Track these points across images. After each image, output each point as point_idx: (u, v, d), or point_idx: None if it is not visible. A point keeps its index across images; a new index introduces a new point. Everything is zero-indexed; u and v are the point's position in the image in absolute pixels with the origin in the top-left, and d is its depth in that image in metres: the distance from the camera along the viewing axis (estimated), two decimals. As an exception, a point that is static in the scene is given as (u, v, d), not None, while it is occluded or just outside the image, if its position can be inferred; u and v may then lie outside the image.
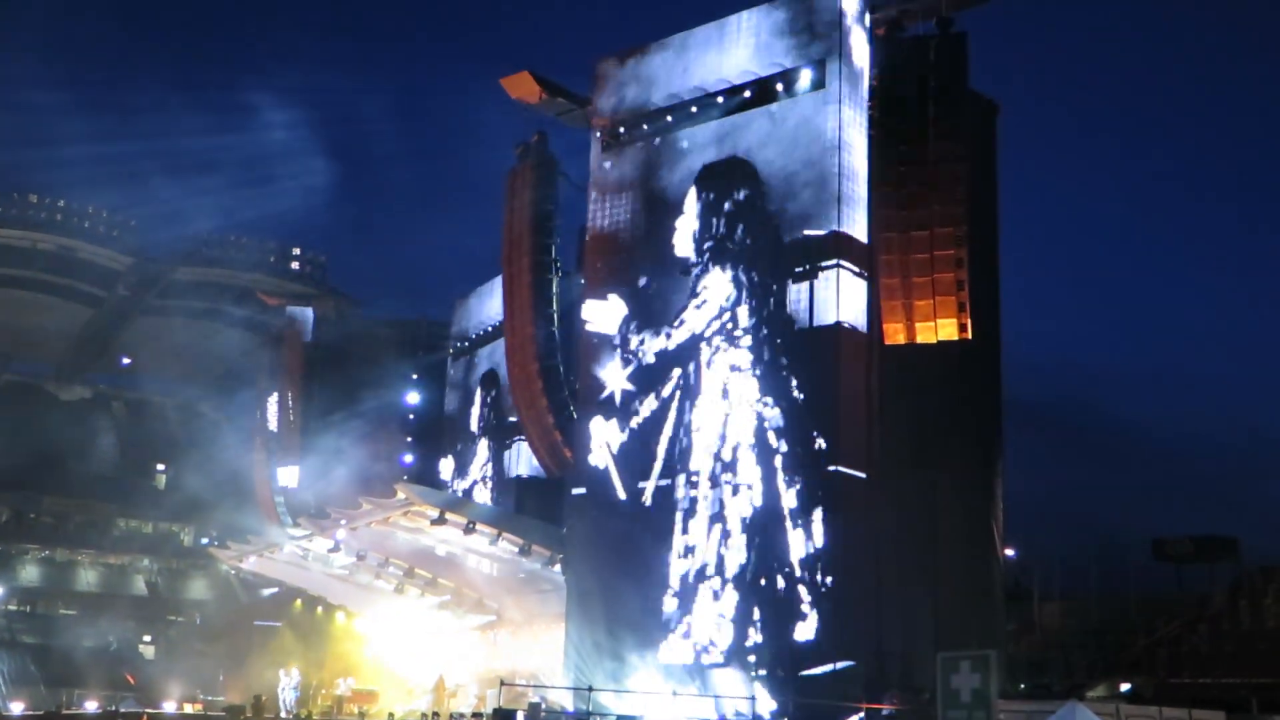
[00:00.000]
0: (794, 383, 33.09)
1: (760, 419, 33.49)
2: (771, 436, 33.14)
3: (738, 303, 34.53)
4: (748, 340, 34.16)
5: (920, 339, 32.65)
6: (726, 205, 35.28)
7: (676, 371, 35.45)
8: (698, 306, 35.26)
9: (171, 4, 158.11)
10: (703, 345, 34.99)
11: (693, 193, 36.08)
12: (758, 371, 33.80)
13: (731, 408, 34.13)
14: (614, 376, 36.73)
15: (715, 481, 33.85)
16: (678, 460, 34.85)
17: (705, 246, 35.53)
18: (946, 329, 32.42)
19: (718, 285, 34.99)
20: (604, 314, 36.85)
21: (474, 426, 54.52)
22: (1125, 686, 36.36)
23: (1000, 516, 35.54)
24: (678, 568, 34.19)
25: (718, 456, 34.03)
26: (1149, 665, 39.69)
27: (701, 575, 33.66)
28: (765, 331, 33.91)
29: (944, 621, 32.37)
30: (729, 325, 34.59)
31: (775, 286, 33.79)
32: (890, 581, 32.16)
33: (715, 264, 35.17)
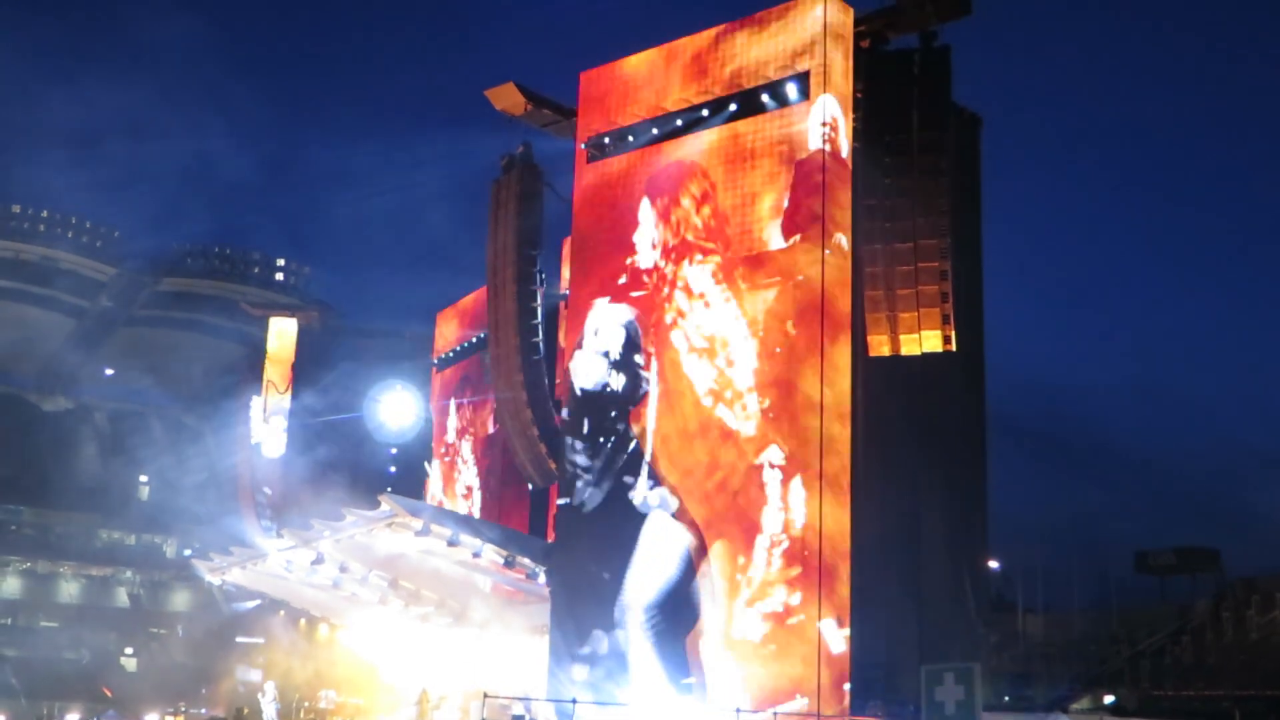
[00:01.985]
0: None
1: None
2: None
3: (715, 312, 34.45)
4: (728, 348, 34.08)
5: (904, 351, 32.62)
6: (705, 213, 35.22)
7: (651, 380, 35.34)
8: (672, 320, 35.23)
9: (163, 18, 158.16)
10: (679, 353, 34.89)
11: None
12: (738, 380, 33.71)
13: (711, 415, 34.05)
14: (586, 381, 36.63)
15: (695, 491, 33.74)
16: (660, 471, 34.74)
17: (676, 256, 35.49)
18: (930, 341, 32.41)
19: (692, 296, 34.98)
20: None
21: (456, 438, 54.48)
22: (1109, 699, 36.47)
23: (984, 529, 35.62)
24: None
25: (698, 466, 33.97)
26: (1132, 677, 39.85)
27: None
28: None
29: (927, 634, 32.40)
30: (706, 334, 34.52)
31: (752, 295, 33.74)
32: (873, 593, 32.14)
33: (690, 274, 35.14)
